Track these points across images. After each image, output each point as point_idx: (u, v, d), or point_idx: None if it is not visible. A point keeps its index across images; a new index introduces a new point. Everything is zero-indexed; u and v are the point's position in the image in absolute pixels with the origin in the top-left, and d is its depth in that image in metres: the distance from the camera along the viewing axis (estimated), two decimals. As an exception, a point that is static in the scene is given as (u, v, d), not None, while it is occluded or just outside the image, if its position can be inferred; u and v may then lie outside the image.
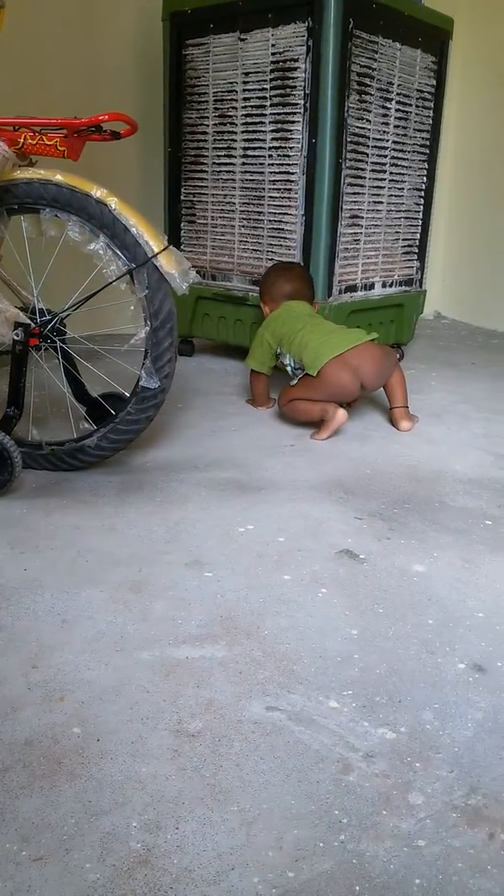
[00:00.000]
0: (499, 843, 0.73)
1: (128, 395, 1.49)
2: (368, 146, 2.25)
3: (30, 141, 1.41)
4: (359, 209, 2.28)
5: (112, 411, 1.51)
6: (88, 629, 1.03)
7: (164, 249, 1.39)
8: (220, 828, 0.73)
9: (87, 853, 0.70)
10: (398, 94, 2.30)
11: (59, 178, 1.39)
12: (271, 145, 2.21)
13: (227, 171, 2.34)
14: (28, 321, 1.45)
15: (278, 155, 2.20)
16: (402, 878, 0.69)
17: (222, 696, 0.91)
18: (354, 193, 2.24)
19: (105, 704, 0.89)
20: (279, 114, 2.17)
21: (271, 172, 2.23)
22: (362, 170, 2.25)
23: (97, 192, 1.38)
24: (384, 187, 2.36)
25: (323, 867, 0.69)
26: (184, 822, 0.73)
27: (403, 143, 2.39)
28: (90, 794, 0.76)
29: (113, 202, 1.38)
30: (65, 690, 0.91)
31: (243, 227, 2.34)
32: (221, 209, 2.39)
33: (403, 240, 2.52)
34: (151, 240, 1.39)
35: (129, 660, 0.97)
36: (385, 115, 2.28)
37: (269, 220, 2.27)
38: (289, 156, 2.18)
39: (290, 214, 2.21)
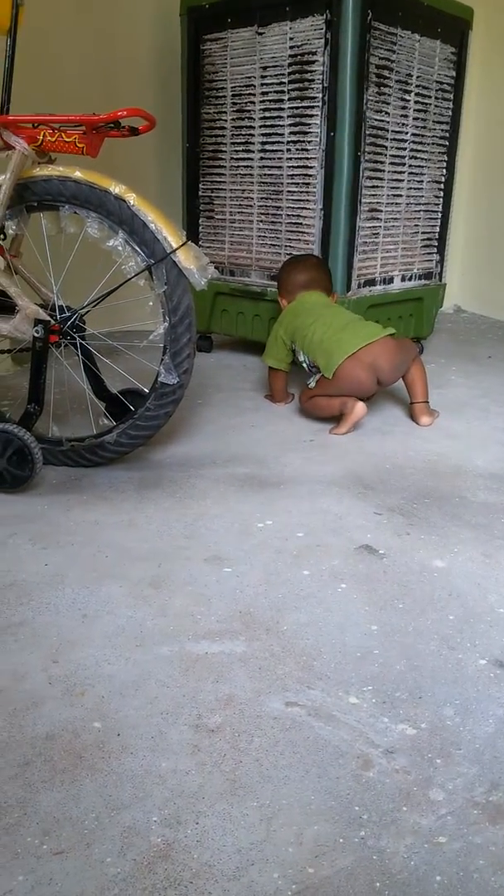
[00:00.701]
0: (521, 840, 0.72)
1: (147, 391, 1.49)
2: (387, 139, 2.23)
3: (49, 138, 1.41)
4: (378, 203, 2.26)
5: (131, 407, 1.52)
6: (109, 624, 1.04)
7: (182, 245, 1.39)
8: (240, 823, 0.73)
9: (108, 847, 0.70)
10: (417, 86, 2.28)
11: (77, 174, 1.40)
12: (289, 139, 2.20)
13: (245, 166, 2.34)
14: (48, 318, 1.46)
15: (296, 149, 2.19)
16: (422, 874, 0.68)
17: (242, 691, 0.91)
18: (373, 187, 2.23)
19: (125, 699, 0.89)
20: (297, 108, 2.16)
21: (289, 167, 2.22)
22: (381, 163, 2.23)
23: (116, 189, 1.38)
24: (403, 180, 2.34)
25: (343, 863, 0.69)
26: (204, 818, 0.73)
27: (423, 136, 2.37)
28: (111, 789, 0.76)
29: (132, 198, 1.38)
30: (85, 685, 0.92)
31: (261, 222, 2.34)
32: (239, 204, 2.38)
33: (423, 233, 2.50)
34: (170, 235, 1.39)
35: (148, 655, 0.97)
36: (404, 108, 2.26)
37: (288, 215, 2.27)
38: (307, 150, 2.17)
39: (309, 209, 2.20)
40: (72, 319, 1.49)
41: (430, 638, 1.03)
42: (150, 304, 1.45)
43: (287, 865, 0.69)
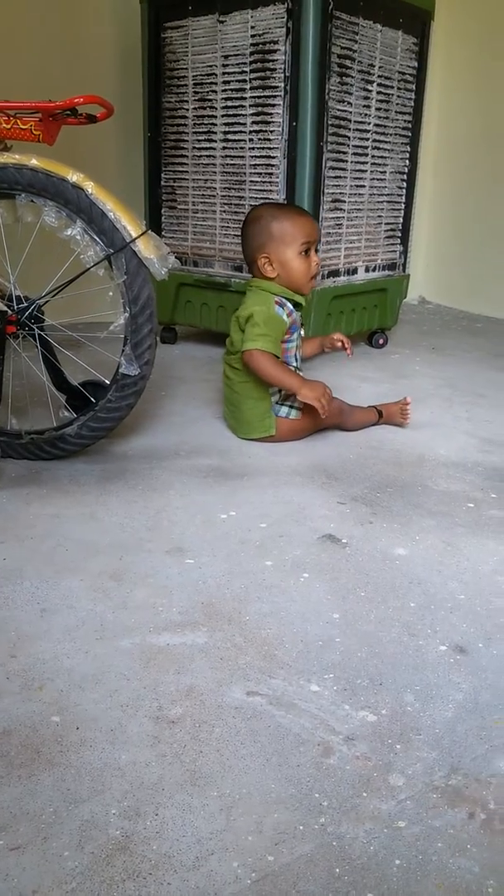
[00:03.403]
0: (479, 822, 0.73)
1: (108, 382, 1.48)
2: (350, 129, 2.23)
3: (3, 125, 1.39)
4: (341, 193, 2.27)
5: (92, 399, 1.50)
6: (68, 618, 1.03)
7: (142, 234, 1.38)
8: (199, 813, 0.73)
9: (66, 841, 0.69)
10: (379, 76, 2.28)
11: (34, 162, 1.37)
12: (252, 129, 2.19)
13: (207, 156, 2.32)
14: (5, 308, 1.43)
15: (259, 139, 2.18)
16: (381, 859, 0.68)
17: (203, 682, 0.91)
18: (336, 177, 2.23)
19: (85, 692, 0.88)
20: (259, 97, 2.15)
21: (252, 157, 2.21)
22: (344, 153, 2.23)
23: (73, 177, 1.36)
24: (366, 171, 2.35)
25: (303, 850, 0.69)
26: (163, 809, 0.73)
27: (385, 126, 2.37)
28: (69, 783, 0.76)
29: (89, 186, 1.36)
30: (44, 679, 0.90)
31: (224, 212, 2.32)
32: (202, 194, 2.37)
33: (386, 224, 2.51)
34: (129, 224, 1.37)
35: (109, 648, 0.97)
36: (366, 98, 2.26)
37: (251, 205, 2.25)
38: (269, 139, 2.16)
39: (272, 199, 2.19)
40: (30, 310, 1.46)
41: (392, 625, 1.03)
42: (110, 294, 1.43)
43: (247, 854, 0.68)
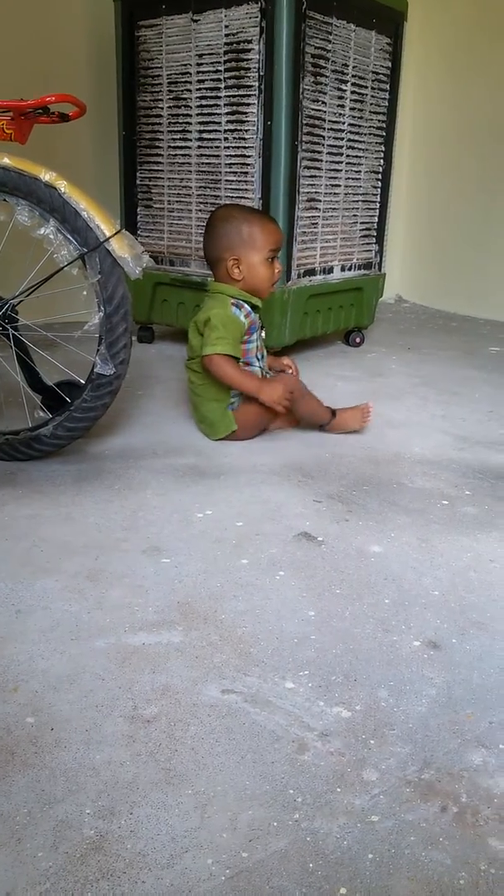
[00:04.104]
0: (451, 815, 0.74)
1: (83, 382, 1.47)
2: (324, 129, 2.24)
3: (-25, 123, 1.38)
4: (316, 192, 2.27)
5: (67, 399, 1.49)
6: (43, 619, 1.02)
7: (116, 233, 1.37)
8: (174, 811, 0.73)
9: (40, 842, 0.69)
10: (353, 76, 2.29)
11: (6, 161, 1.36)
12: (226, 128, 2.19)
13: (182, 155, 2.32)
14: (-22, 308, 1.42)
15: (234, 138, 2.18)
16: (355, 853, 0.69)
17: (178, 680, 0.91)
18: (311, 176, 2.24)
19: (59, 693, 0.88)
20: (234, 96, 2.15)
21: (227, 156, 2.21)
22: (319, 152, 2.24)
23: (46, 176, 1.36)
24: (341, 170, 2.36)
25: (277, 846, 0.69)
26: (138, 808, 0.73)
27: (360, 126, 2.39)
28: (43, 784, 0.75)
29: (62, 185, 1.36)
30: (18, 680, 0.90)
31: (200, 211, 2.32)
32: (178, 193, 2.37)
33: (362, 223, 2.52)
34: (103, 224, 1.37)
35: (84, 648, 0.96)
36: (340, 98, 2.27)
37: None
38: (244, 139, 2.16)
39: (247, 198, 2.20)
40: (3, 310, 1.45)
41: (366, 622, 1.04)
42: (84, 293, 1.42)
43: (221, 851, 0.69)
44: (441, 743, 0.83)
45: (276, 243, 1.67)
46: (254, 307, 1.68)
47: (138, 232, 2.48)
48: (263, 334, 1.76)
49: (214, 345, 1.60)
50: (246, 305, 1.66)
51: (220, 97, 2.18)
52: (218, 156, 2.23)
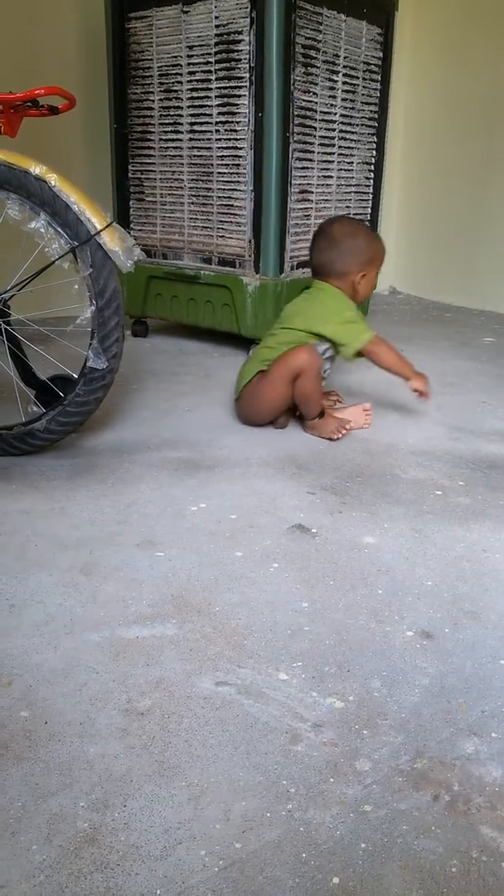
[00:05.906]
0: (443, 804, 0.74)
1: (76, 376, 1.47)
2: (316, 120, 2.23)
3: (-36, 117, 1.37)
4: (308, 184, 2.27)
5: (61, 394, 1.49)
6: (37, 613, 1.02)
7: (107, 226, 1.37)
8: (167, 803, 0.73)
9: (34, 835, 0.69)
10: (345, 66, 2.28)
11: (-5, 154, 1.36)
12: (218, 120, 2.18)
13: (174, 148, 2.31)
14: (-31, 303, 1.42)
15: (225, 130, 2.17)
16: (347, 843, 0.69)
17: (172, 673, 0.91)
18: (303, 168, 2.23)
19: (53, 687, 0.88)
20: (225, 88, 2.14)
21: (219, 148, 2.20)
22: (310, 144, 2.23)
23: (36, 169, 1.35)
24: (333, 161, 2.35)
25: (270, 837, 0.70)
26: (132, 800, 0.73)
27: (351, 117, 2.38)
28: (37, 777, 0.76)
29: (53, 179, 1.35)
30: (13, 674, 0.90)
31: (192, 204, 2.32)
32: (170, 186, 2.36)
33: (355, 214, 2.51)
34: (94, 217, 1.36)
35: (78, 642, 0.97)
36: (332, 89, 2.26)
37: (219, 197, 2.25)
38: (236, 131, 2.15)
39: (240, 190, 2.19)
40: (-5, 304, 1.45)
41: (359, 612, 1.04)
42: (76, 287, 1.42)
43: (214, 842, 0.69)
44: (434, 732, 0.83)
45: (383, 264, 1.78)
46: None
47: (131, 225, 2.47)
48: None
49: (366, 332, 1.67)
50: None
51: (210, 89, 2.17)
52: (210, 148, 2.22)
